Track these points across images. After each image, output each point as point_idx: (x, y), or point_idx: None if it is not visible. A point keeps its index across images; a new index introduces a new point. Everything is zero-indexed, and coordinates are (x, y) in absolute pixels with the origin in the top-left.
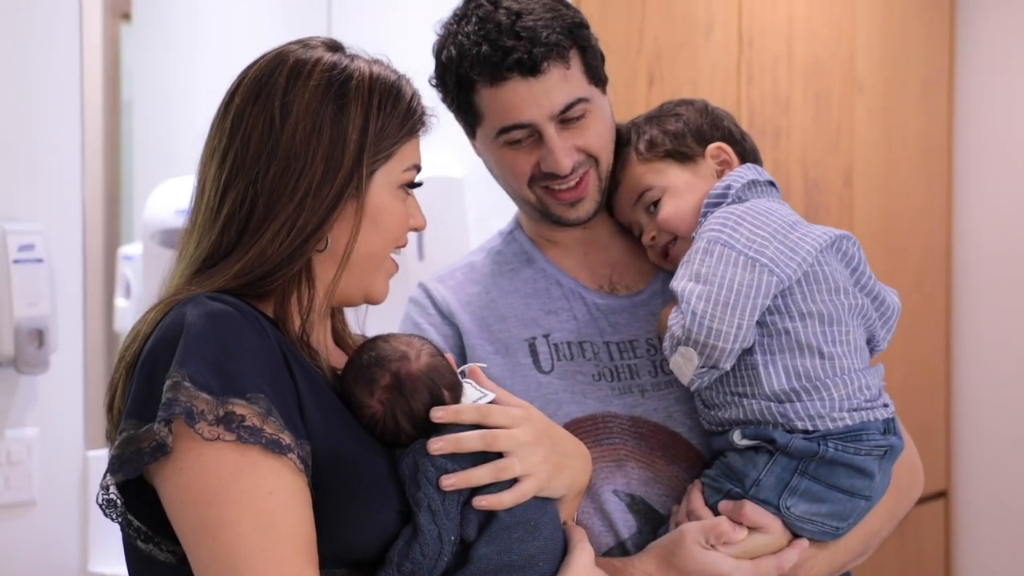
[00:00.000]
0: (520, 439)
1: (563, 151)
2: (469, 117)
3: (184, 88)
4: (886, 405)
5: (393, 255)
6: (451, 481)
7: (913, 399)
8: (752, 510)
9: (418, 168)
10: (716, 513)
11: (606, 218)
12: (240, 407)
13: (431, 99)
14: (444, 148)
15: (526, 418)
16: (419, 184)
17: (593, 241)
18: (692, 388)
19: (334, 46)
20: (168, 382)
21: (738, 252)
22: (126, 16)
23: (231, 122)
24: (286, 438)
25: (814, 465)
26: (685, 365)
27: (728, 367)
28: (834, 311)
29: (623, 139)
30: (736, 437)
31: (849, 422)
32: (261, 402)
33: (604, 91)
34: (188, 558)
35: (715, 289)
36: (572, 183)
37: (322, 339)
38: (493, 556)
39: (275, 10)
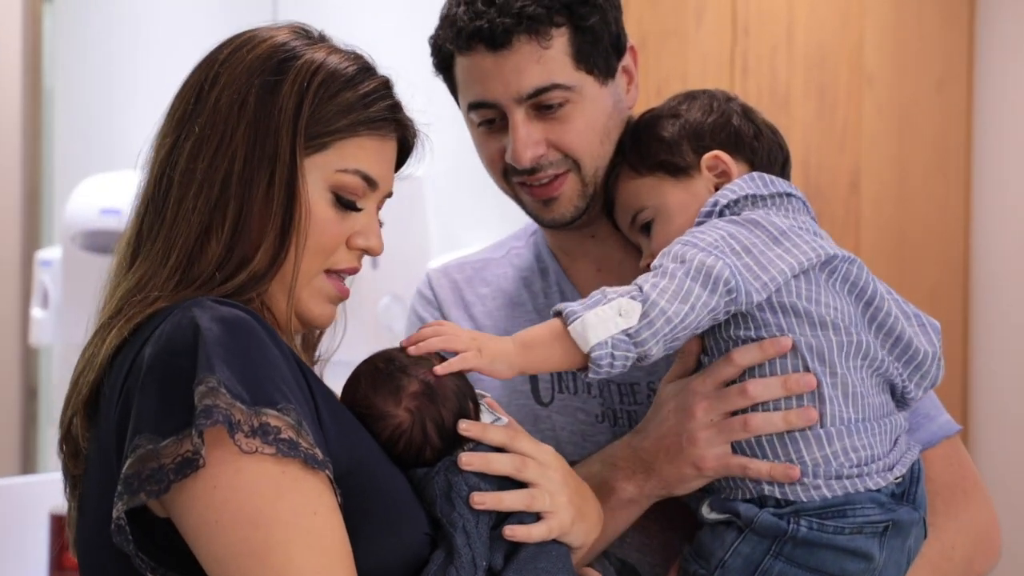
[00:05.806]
0: (549, 474)
1: (525, 141)
2: (451, 88)
3: (112, 75)
4: (890, 468)
5: (343, 281)
6: (482, 500)
7: None
8: None
9: (366, 178)
10: None
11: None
12: (273, 418)
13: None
14: None
15: (553, 454)
16: (351, 202)
17: (605, 256)
18: (594, 362)
19: (305, 33)
20: (202, 388)
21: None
22: None
23: (174, 97)
24: (320, 453)
25: (789, 546)
26: (612, 320)
27: (645, 362)
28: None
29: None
30: (705, 510)
31: (826, 493)
32: (292, 413)
33: (605, 83)
34: None
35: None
36: (543, 180)
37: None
38: None
39: None
